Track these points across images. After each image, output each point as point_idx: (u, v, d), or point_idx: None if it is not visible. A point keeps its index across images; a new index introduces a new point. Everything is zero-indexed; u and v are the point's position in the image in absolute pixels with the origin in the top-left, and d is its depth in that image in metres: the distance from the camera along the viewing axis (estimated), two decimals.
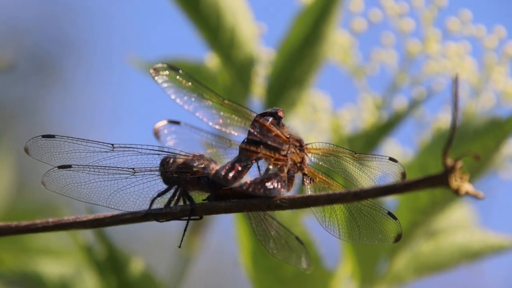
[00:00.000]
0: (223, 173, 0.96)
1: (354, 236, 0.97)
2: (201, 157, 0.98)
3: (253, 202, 0.94)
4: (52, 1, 4.10)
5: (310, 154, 0.99)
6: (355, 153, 0.98)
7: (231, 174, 0.96)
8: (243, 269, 1.38)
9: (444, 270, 1.43)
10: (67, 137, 0.97)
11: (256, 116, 0.98)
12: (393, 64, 1.53)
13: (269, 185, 0.94)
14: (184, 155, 0.98)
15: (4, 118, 3.62)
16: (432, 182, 0.84)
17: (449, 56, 1.52)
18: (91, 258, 1.38)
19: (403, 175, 0.97)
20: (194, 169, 0.97)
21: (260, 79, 1.49)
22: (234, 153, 1.00)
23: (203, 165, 0.97)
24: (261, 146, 0.97)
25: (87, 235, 1.39)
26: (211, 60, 1.52)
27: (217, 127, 1.02)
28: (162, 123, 1.03)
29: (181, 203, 0.98)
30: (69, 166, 0.97)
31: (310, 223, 1.39)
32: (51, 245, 1.57)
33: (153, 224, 0.99)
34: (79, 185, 0.97)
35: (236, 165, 0.96)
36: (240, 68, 1.47)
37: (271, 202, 0.93)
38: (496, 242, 1.43)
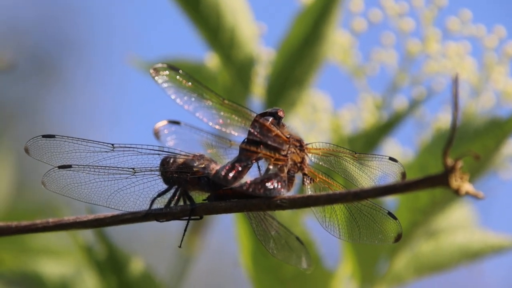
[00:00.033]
0: (223, 173, 0.96)
1: (354, 236, 0.97)
2: (201, 157, 0.98)
3: (253, 202, 0.94)
4: (52, 1, 4.10)
5: (310, 154, 0.99)
6: (355, 153, 0.98)
7: (231, 174, 0.96)
8: (243, 269, 1.38)
9: (444, 270, 1.43)
10: (67, 137, 0.97)
11: (256, 116, 0.98)
12: (393, 64, 1.53)
13: (269, 185, 0.94)
14: (184, 155, 0.98)
15: (4, 118, 3.62)
16: (432, 182, 0.84)
17: (449, 56, 1.52)
18: (91, 258, 1.38)
19: (403, 175, 0.97)
20: (194, 169, 0.97)
21: (260, 79, 1.49)
22: (234, 153, 1.00)
23: (203, 165, 0.97)
24: (261, 146, 0.97)
25: (87, 235, 1.39)
26: (211, 60, 1.52)
27: (217, 127, 1.02)
28: (162, 123, 1.03)
29: (181, 203, 0.98)
30: (69, 166, 0.97)
31: (310, 223, 1.39)
32: (51, 245, 1.57)
33: (153, 224, 0.99)
34: (79, 185, 0.97)
35: (236, 165, 0.96)
36: (240, 68, 1.47)
37: (271, 202, 0.93)
38: (496, 242, 1.43)
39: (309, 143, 0.99)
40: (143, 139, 0.99)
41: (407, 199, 1.38)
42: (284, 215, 1.26)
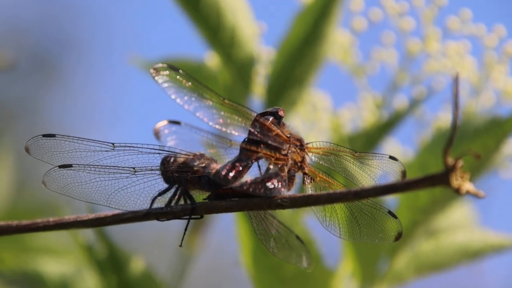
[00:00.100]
0: (223, 172, 0.96)
1: (355, 235, 0.97)
2: (201, 156, 0.98)
3: (254, 201, 0.94)
4: (52, 0, 4.10)
5: (311, 154, 0.99)
6: (356, 152, 0.99)
7: (231, 174, 0.96)
8: (244, 268, 1.38)
9: (444, 269, 1.43)
10: (68, 136, 0.97)
11: (257, 116, 0.98)
12: (393, 63, 1.53)
13: (269, 184, 0.94)
14: (184, 155, 0.98)
15: (4, 117, 3.61)
16: (432, 181, 0.84)
17: (449, 55, 1.52)
18: (92, 257, 1.38)
19: (403, 173, 0.97)
20: (194, 168, 0.97)
21: (260, 79, 1.50)
22: (234, 153, 1.00)
23: (203, 164, 0.97)
24: (262, 145, 0.97)
25: (88, 234, 1.39)
26: (212, 60, 1.52)
27: (217, 127, 1.02)
28: (162, 123, 1.03)
29: (182, 202, 0.98)
30: (70, 166, 0.97)
31: (311, 222, 1.39)
32: (51, 244, 1.57)
33: (153, 223, 0.99)
34: (79, 184, 0.97)
35: (237, 164, 0.96)
36: (240, 68, 1.47)
37: (272, 201, 0.93)
38: (496, 241, 1.43)
39: (310, 143, 0.99)
40: (143, 139, 0.99)
41: (407, 198, 1.38)
42: (284, 214, 1.26)
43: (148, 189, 0.98)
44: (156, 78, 1.02)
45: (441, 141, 1.38)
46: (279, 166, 0.97)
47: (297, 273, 1.36)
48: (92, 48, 4.12)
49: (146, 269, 1.39)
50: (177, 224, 1.14)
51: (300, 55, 1.45)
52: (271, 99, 1.47)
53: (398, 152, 1.56)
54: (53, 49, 4.02)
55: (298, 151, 0.98)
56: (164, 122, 1.03)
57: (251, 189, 0.94)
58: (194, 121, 1.02)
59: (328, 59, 1.50)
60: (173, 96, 1.02)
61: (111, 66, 4.06)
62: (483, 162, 1.35)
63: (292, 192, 0.97)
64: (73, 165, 0.97)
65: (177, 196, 0.98)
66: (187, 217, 0.96)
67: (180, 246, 1.04)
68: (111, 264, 1.37)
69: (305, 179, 0.98)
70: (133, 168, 0.97)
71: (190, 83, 1.02)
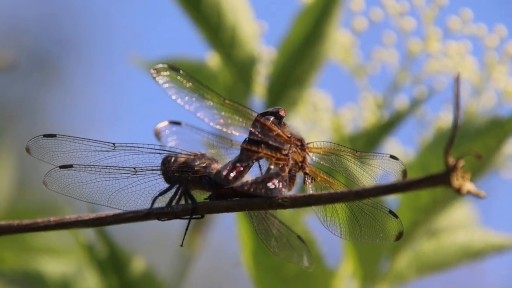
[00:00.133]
0: (224, 173, 0.96)
1: (356, 234, 0.97)
2: (202, 156, 0.98)
3: (255, 201, 0.94)
4: (52, 0, 4.10)
5: (312, 153, 0.99)
6: (356, 152, 0.99)
7: (232, 174, 0.96)
8: (245, 268, 1.38)
9: (445, 269, 1.43)
10: (68, 136, 0.97)
11: (257, 116, 0.98)
12: (394, 63, 1.53)
13: (270, 185, 0.94)
14: (185, 155, 0.98)
15: (5, 117, 3.61)
16: (433, 181, 0.84)
17: (450, 55, 1.52)
18: (93, 257, 1.38)
19: (404, 172, 0.97)
20: (195, 168, 0.97)
21: (261, 78, 1.50)
22: (235, 153, 1.00)
23: (204, 164, 0.97)
24: (262, 145, 0.97)
25: (89, 234, 1.39)
26: (212, 59, 1.52)
27: (218, 127, 1.02)
28: (163, 124, 1.03)
29: (182, 202, 0.98)
30: (71, 166, 0.97)
31: (312, 222, 1.39)
32: (52, 244, 1.57)
33: (154, 223, 0.99)
34: (80, 184, 0.97)
35: (238, 164, 0.96)
36: (241, 67, 1.47)
37: (273, 201, 0.93)
38: (497, 241, 1.43)
39: (310, 142, 0.99)
40: (144, 139, 0.99)
41: (408, 198, 1.38)
42: (285, 214, 1.26)
43: (149, 189, 0.98)
44: (156, 78, 1.02)
45: (442, 141, 1.38)
46: (280, 166, 0.97)
47: (298, 273, 1.36)
48: (92, 48, 4.12)
49: (147, 269, 1.39)
50: (178, 224, 1.14)
51: (301, 55, 1.45)
52: (271, 99, 1.47)
53: (399, 152, 1.56)
54: (53, 49, 4.02)
55: (299, 151, 0.98)
56: (165, 123, 1.03)
57: (252, 189, 0.94)
58: (194, 121, 1.02)
59: (329, 59, 1.50)
60: (173, 97, 1.02)
61: (111, 66, 4.06)
62: (484, 162, 1.35)
63: (293, 192, 0.97)
64: (73, 165, 0.97)
65: (178, 196, 0.98)
66: (188, 217, 0.96)
67: (181, 246, 1.04)
68: (112, 264, 1.37)
69: (306, 179, 0.98)
70: (134, 168, 0.97)
71: (190, 84, 1.02)
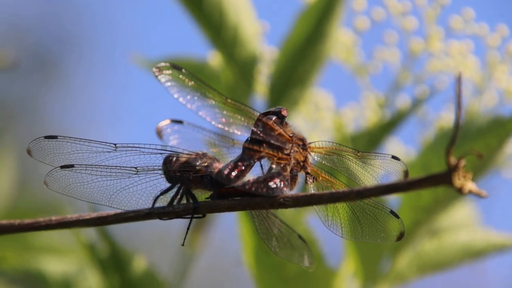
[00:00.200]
0: (225, 172, 0.96)
1: (357, 234, 0.97)
2: (204, 155, 0.98)
3: (256, 200, 0.94)
4: None
5: (313, 153, 0.99)
6: (358, 152, 0.99)
7: (233, 173, 0.96)
8: (246, 267, 1.38)
9: (446, 269, 1.43)
10: (69, 137, 0.97)
11: (260, 115, 0.98)
12: (396, 63, 1.53)
13: (272, 184, 0.94)
14: (187, 154, 0.98)
15: (5, 116, 3.61)
16: (435, 181, 0.84)
17: (452, 54, 1.52)
18: (94, 256, 1.38)
19: (406, 173, 0.97)
20: (197, 167, 0.97)
21: (263, 78, 1.50)
22: (237, 152, 1.00)
23: (206, 164, 0.97)
24: (264, 145, 0.97)
25: (90, 233, 1.39)
26: (214, 59, 1.52)
27: (220, 126, 1.02)
28: (165, 123, 1.03)
29: (184, 201, 0.98)
30: (72, 166, 0.97)
31: (313, 222, 1.39)
32: (53, 243, 1.57)
33: (156, 223, 0.99)
34: (81, 184, 0.97)
35: (239, 164, 0.96)
36: (243, 67, 1.47)
37: (274, 201, 0.93)
38: (498, 241, 1.43)
39: (312, 142, 0.99)
40: (145, 139, 0.99)
41: (409, 198, 1.38)
42: (286, 213, 1.26)
43: (150, 188, 0.98)
44: (159, 77, 1.02)
45: (443, 140, 1.38)
46: (282, 165, 0.97)
47: (299, 273, 1.36)
48: (93, 47, 4.12)
49: (148, 268, 1.39)
50: (179, 223, 1.14)
51: (302, 55, 1.45)
52: (273, 99, 1.47)
53: (401, 152, 1.56)
54: (54, 48, 4.02)
55: (301, 150, 0.98)
56: (167, 121, 1.03)
57: (253, 189, 0.94)
58: (196, 120, 1.02)
59: (330, 59, 1.50)
60: (175, 95, 1.02)
61: (113, 65, 4.06)
62: (485, 161, 1.35)
63: (295, 191, 0.97)
64: (75, 166, 0.97)
65: (179, 196, 0.98)
66: (190, 216, 0.96)
67: (182, 245, 1.04)
68: (113, 263, 1.37)
69: (308, 178, 0.98)
70: (135, 168, 0.97)
71: (193, 82, 1.02)
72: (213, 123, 1.02)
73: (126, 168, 0.97)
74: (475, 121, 1.35)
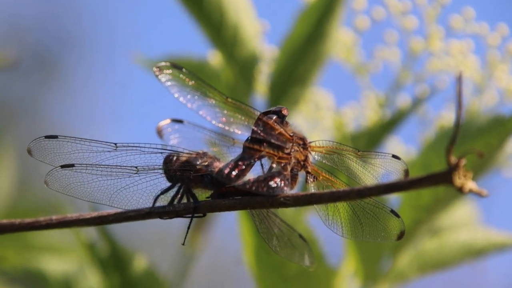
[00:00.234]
0: (226, 171, 0.96)
1: (357, 234, 0.97)
2: (204, 155, 0.98)
3: (257, 199, 0.94)
4: None
5: (314, 152, 0.99)
6: (359, 151, 0.99)
7: (234, 173, 0.96)
8: (246, 267, 1.38)
9: (447, 268, 1.43)
10: (70, 137, 0.97)
11: (260, 115, 0.98)
12: (396, 62, 1.53)
13: (272, 183, 0.94)
14: (187, 153, 0.98)
15: (5, 116, 3.61)
16: (435, 180, 0.84)
17: (452, 53, 1.52)
18: (94, 256, 1.38)
19: (406, 172, 0.97)
20: (197, 167, 0.97)
21: (263, 77, 1.50)
22: (237, 151, 1.00)
23: (206, 163, 0.97)
24: (265, 144, 0.97)
25: (90, 232, 1.39)
26: (214, 58, 1.52)
27: (220, 125, 1.02)
28: (165, 122, 1.03)
29: (184, 200, 0.98)
30: (72, 166, 0.97)
31: (313, 221, 1.39)
32: (54, 243, 1.57)
33: (156, 222, 0.99)
34: (82, 184, 0.97)
35: (240, 163, 0.96)
36: (243, 66, 1.47)
37: (275, 200, 0.93)
38: (499, 240, 1.43)
39: (313, 141, 0.99)
40: (145, 138, 0.99)
41: (410, 197, 1.38)
42: (287, 213, 1.26)
43: (151, 188, 0.98)
44: (159, 76, 1.02)
45: (444, 139, 1.38)
46: (282, 164, 0.97)
47: (299, 272, 1.36)
48: (93, 47, 4.12)
49: (148, 267, 1.39)
50: (180, 223, 1.14)
51: (303, 54, 1.45)
52: (273, 98, 1.47)
53: (401, 151, 1.56)
54: (54, 48, 4.02)
55: (301, 149, 0.98)
56: (167, 121, 1.03)
57: (254, 188, 0.94)
58: (197, 119, 1.02)
59: (331, 58, 1.50)
60: (176, 95, 1.02)
61: (113, 64, 4.05)
62: (486, 160, 1.35)
63: (295, 190, 0.97)
64: (75, 165, 0.97)
65: (179, 195, 0.98)
66: (190, 215, 0.96)
67: (183, 244, 1.04)
68: (114, 263, 1.37)
69: (308, 178, 0.98)
70: (136, 167, 0.97)
71: (193, 82, 1.02)
72: (214, 122, 1.02)
73: (127, 167, 0.97)
74: (475, 120, 1.35)
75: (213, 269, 3.39)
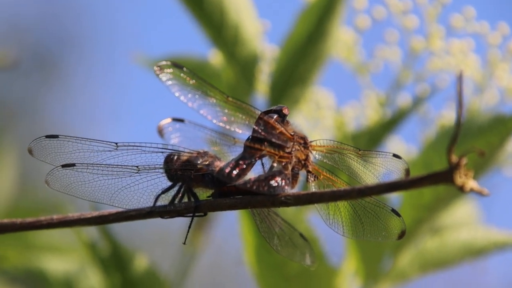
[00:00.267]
0: (227, 170, 0.96)
1: (358, 233, 0.97)
2: (205, 154, 0.98)
3: (258, 199, 0.94)
4: None
5: (315, 152, 0.99)
6: (359, 150, 0.99)
7: (235, 172, 0.96)
8: (247, 266, 1.38)
9: (448, 267, 1.43)
10: (71, 136, 0.97)
11: (261, 114, 0.98)
12: (397, 61, 1.53)
13: (273, 182, 0.94)
14: (188, 152, 0.98)
15: (5, 116, 3.61)
16: (436, 179, 0.84)
17: (453, 53, 1.52)
18: (95, 255, 1.38)
19: (407, 171, 0.97)
20: (198, 166, 0.97)
21: (263, 76, 1.50)
22: (238, 150, 1.00)
23: (207, 162, 0.97)
24: (266, 143, 0.97)
25: (91, 232, 1.39)
26: (215, 57, 1.52)
27: (221, 124, 1.02)
28: (166, 121, 1.03)
29: (185, 200, 0.98)
30: (73, 165, 0.97)
31: (314, 220, 1.39)
32: (55, 242, 1.57)
33: (157, 221, 0.99)
34: (83, 183, 0.97)
35: (240, 162, 0.96)
36: (244, 65, 1.47)
37: (276, 199, 0.93)
38: (500, 239, 1.43)
39: (313, 141, 0.99)
40: (146, 137, 0.99)
41: (411, 196, 1.38)
42: (288, 212, 1.26)
43: (152, 187, 0.98)
44: (160, 75, 1.02)
45: (445, 139, 1.38)
46: (283, 164, 0.97)
47: (300, 271, 1.36)
48: (93, 46, 4.12)
49: (149, 267, 1.39)
50: (181, 222, 1.14)
51: (303, 53, 1.45)
52: (274, 97, 1.47)
53: (402, 150, 1.56)
54: (54, 48, 4.03)
55: (302, 149, 0.98)
56: (168, 120, 1.03)
57: (254, 187, 0.94)
58: (198, 118, 1.02)
59: (331, 57, 1.50)
60: (177, 94, 1.02)
61: (113, 64, 4.05)
62: (487, 159, 1.35)
63: (296, 190, 0.97)
64: (76, 164, 0.97)
65: (180, 194, 0.98)
66: (191, 214, 0.96)
67: (184, 243, 1.04)
68: (115, 262, 1.37)
69: (309, 177, 0.98)
70: (137, 166, 0.97)
71: (194, 81, 1.02)
72: (214, 121, 1.02)
73: (128, 167, 0.97)
74: (476, 119, 1.35)
75: (214, 269, 3.39)
